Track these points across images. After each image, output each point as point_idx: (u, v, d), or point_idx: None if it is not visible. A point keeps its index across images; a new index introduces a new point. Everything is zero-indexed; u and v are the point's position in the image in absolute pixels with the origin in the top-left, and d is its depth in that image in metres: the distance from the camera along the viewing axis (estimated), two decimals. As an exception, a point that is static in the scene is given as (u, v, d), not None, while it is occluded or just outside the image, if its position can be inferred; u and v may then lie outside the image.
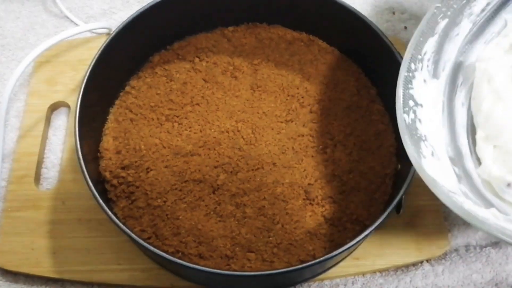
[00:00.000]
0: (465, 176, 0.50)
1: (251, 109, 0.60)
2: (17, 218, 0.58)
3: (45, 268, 0.56)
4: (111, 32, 0.58)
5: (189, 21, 0.63)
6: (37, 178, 0.61)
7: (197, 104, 0.60)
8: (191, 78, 0.62)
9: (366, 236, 0.48)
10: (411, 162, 0.46)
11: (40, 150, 0.62)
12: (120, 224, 0.48)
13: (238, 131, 0.58)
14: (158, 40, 0.63)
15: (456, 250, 0.58)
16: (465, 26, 0.54)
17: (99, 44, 0.56)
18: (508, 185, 0.46)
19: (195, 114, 0.59)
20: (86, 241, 0.57)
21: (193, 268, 0.47)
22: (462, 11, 0.53)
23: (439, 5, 0.51)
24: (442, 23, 0.52)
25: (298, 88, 0.61)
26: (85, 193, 0.57)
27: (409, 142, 0.46)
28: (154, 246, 0.52)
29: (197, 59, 0.63)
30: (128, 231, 0.47)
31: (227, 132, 0.58)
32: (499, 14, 0.54)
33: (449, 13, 0.52)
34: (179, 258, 0.52)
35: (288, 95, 0.61)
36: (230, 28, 0.65)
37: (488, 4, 0.54)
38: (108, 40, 0.57)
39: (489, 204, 0.47)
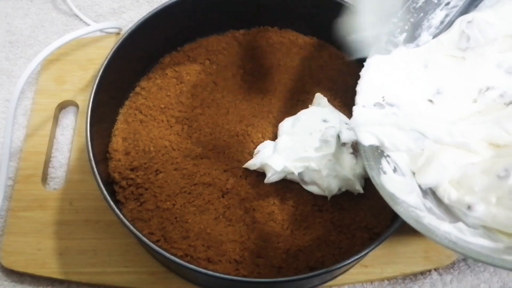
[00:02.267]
0: (431, 192, 0.47)
1: (261, 113, 0.60)
2: (24, 218, 0.58)
3: (51, 269, 0.55)
4: (124, 33, 0.57)
5: (201, 23, 0.63)
6: (44, 177, 0.61)
7: (207, 107, 0.60)
8: (201, 80, 0.61)
9: (378, 245, 0.48)
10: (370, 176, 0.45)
11: (47, 149, 0.62)
12: (131, 227, 0.47)
13: (248, 135, 0.58)
14: (169, 42, 0.63)
15: (464, 259, 0.58)
16: (425, 39, 0.53)
17: (108, 44, 0.56)
18: (469, 207, 0.42)
19: (205, 117, 0.59)
20: (93, 243, 0.56)
21: (202, 273, 0.47)
22: (421, 24, 0.52)
23: (395, 20, 0.51)
24: (401, 38, 0.51)
25: (308, 93, 0.61)
26: (93, 194, 0.57)
27: (369, 158, 0.46)
28: (163, 249, 0.52)
29: (207, 62, 0.63)
30: (139, 234, 0.47)
31: (237, 136, 0.58)
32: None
33: (406, 27, 0.51)
34: (188, 262, 0.51)
35: (298, 100, 0.61)
36: (241, 32, 0.65)
37: (447, 16, 0.52)
38: (120, 41, 0.57)
39: (456, 219, 0.45)
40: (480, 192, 0.41)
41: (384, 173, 0.45)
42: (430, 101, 0.48)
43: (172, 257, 0.47)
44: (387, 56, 0.50)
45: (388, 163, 0.46)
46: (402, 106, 0.47)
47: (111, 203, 0.48)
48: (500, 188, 0.40)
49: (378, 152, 0.46)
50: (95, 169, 0.50)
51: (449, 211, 0.45)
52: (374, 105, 0.47)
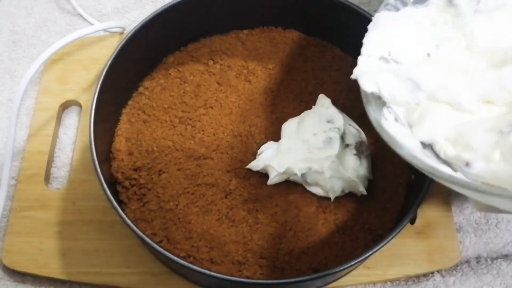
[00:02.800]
0: (429, 145, 0.47)
1: (264, 114, 0.59)
2: (26, 218, 0.57)
3: (53, 270, 0.55)
4: (127, 33, 0.57)
5: (204, 23, 0.63)
6: (47, 177, 0.61)
7: (211, 107, 0.60)
8: (205, 80, 0.61)
9: (382, 247, 0.48)
10: (370, 119, 0.45)
11: (50, 149, 0.62)
12: (134, 227, 0.47)
13: (252, 135, 0.58)
14: (173, 42, 0.63)
15: (467, 261, 0.58)
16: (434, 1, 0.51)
17: (112, 43, 0.56)
18: (467, 164, 0.41)
19: (209, 117, 0.59)
20: (95, 243, 0.56)
21: (205, 274, 0.46)
22: None
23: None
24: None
25: (311, 94, 0.61)
26: (96, 194, 0.57)
27: (371, 103, 0.46)
28: (166, 250, 0.52)
29: (211, 62, 0.63)
30: (142, 234, 0.47)
31: (240, 136, 0.58)
32: None
33: None
34: (191, 262, 0.51)
35: (302, 101, 0.61)
36: (245, 32, 0.65)
37: None
38: (124, 40, 0.56)
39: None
40: (479, 149, 0.41)
41: (386, 119, 0.45)
42: (428, 54, 0.48)
43: (175, 258, 0.47)
44: (395, 13, 0.50)
45: (390, 112, 0.46)
46: (405, 63, 0.47)
47: (114, 203, 0.48)
48: (503, 144, 0.40)
49: (380, 101, 0.46)
50: (98, 169, 0.50)
51: (449, 165, 0.45)
52: (380, 59, 0.47)
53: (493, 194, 0.36)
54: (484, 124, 0.43)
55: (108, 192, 0.49)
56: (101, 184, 0.49)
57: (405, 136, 0.44)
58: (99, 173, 0.49)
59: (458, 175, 0.41)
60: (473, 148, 0.41)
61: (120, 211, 0.48)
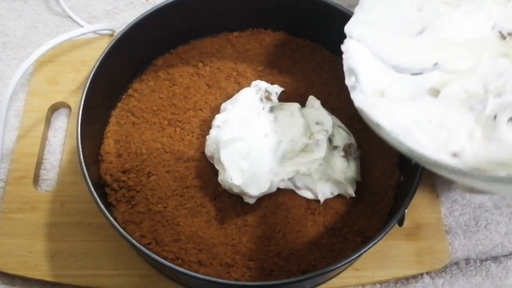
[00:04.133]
0: None
1: (254, 115, 0.59)
2: (15, 220, 0.57)
3: (42, 272, 0.55)
4: (116, 34, 0.57)
5: (194, 25, 0.63)
6: (36, 179, 0.61)
7: (200, 109, 0.59)
8: (194, 82, 0.61)
9: (369, 248, 0.48)
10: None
11: (39, 151, 0.62)
12: (121, 230, 0.47)
13: (241, 137, 0.58)
14: (162, 44, 0.63)
15: (456, 263, 0.58)
16: None
17: (102, 45, 0.56)
18: (455, 155, 0.40)
19: (198, 119, 0.59)
20: (84, 245, 0.56)
21: (193, 276, 0.46)
22: None
23: None
24: None
25: (302, 96, 0.61)
26: (85, 196, 0.56)
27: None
28: (154, 252, 0.51)
29: (200, 64, 0.63)
30: (129, 237, 0.47)
31: (230, 138, 0.58)
32: None
33: None
34: (179, 264, 0.51)
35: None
36: (235, 34, 0.65)
37: None
38: (112, 43, 0.56)
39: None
40: (461, 130, 0.41)
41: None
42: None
43: (162, 260, 0.47)
44: None
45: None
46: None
47: (101, 205, 0.48)
48: (480, 120, 0.41)
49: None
50: (85, 171, 0.49)
51: None
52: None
53: (479, 178, 0.37)
54: (454, 106, 0.43)
55: (95, 194, 0.49)
56: (88, 186, 0.49)
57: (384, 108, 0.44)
58: (86, 175, 0.49)
59: (444, 160, 0.41)
60: (454, 129, 0.41)
61: (107, 213, 0.48)
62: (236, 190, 0.52)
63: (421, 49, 0.48)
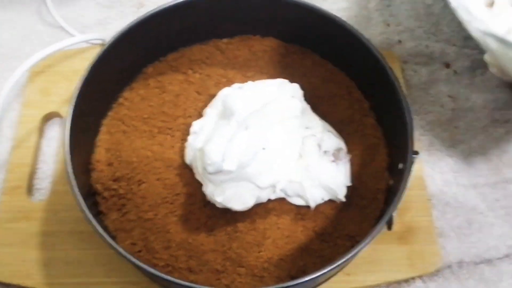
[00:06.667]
0: None
1: (243, 122, 0.60)
2: (9, 230, 0.58)
3: (35, 280, 0.55)
4: (105, 44, 0.57)
5: (183, 32, 0.63)
6: (30, 189, 0.61)
7: (190, 116, 0.60)
8: (184, 90, 0.62)
9: (357, 252, 0.48)
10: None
11: (33, 161, 0.62)
12: (107, 238, 0.47)
13: (231, 144, 0.58)
14: (152, 52, 0.63)
15: (449, 266, 0.58)
16: None
17: (94, 55, 0.56)
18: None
19: (188, 127, 0.59)
20: (77, 253, 0.56)
21: (180, 284, 0.47)
22: None
23: None
24: None
25: (292, 101, 0.61)
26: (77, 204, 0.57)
27: None
28: (145, 260, 0.52)
29: (190, 71, 0.63)
30: (115, 245, 0.47)
31: (220, 145, 0.58)
32: None
33: None
34: (169, 272, 0.52)
35: (282, 108, 0.61)
36: (224, 40, 0.65)
37: None
38: (101, 51, 0.57)
39: None
40: None
41: None
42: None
43: (150, 269, 0.46)
44: None
45: None
46: None
47: (89, 214, 0.48)
48: None
49: None
50: (72, 180, 0.49)
51: None
52: None
53: None
54: None
55: (82, 203, 0.49)
56: (75, 195, 0.49)
57: None
58: (73, 184, 0.49)
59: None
60: None
61: (93, 221, 0.48)
62: (218, 205, 0.52)
63: None
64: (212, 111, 0.58)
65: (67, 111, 0.53)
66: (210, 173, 0.52)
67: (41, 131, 0.64)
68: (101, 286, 0.55)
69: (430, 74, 0.70)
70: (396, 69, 0.68)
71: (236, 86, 0.59)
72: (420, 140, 0.65)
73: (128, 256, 0.47)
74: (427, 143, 0.65)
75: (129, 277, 0.56)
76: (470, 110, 0.67)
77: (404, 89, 0.67)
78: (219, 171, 0.51)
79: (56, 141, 0.64)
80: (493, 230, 0.60)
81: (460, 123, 0.67)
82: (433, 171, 0.63)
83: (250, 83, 0.59)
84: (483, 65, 0.69)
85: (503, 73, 0.59)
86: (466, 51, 0.72)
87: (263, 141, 0.53)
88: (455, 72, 0.70)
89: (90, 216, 0.48)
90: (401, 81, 0.68)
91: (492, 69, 0.59)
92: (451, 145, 0.65)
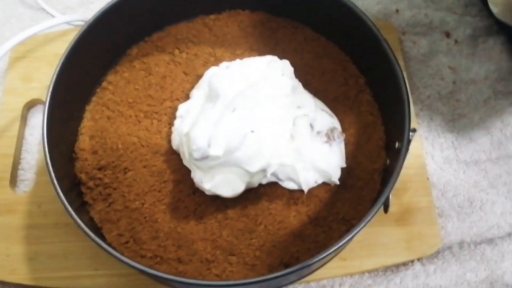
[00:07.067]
0: None
1: (233, 103, 0.57)
2: (-8, 224, 0.56)
3: (21, 275, 0.54)
4: (83, 25, 0.55)
5: (169, 10, 0.60)
6: (13, 180, 0.59)
7: (177, 99, 0.57)
8: (170, 71, 0.59)
9: (353, 237, 0.46)
10: None
11: (16, 151, 0.60)
12: (88, 232, 0.46)
13: (220, 127, 0.56)
14: (136, 32, 0.60)
15: (449, 247, 0.56)
16: None
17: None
18: None
19: (175, 110, 0.56)
20: (63, 246, 0.55)
21: (167, 279, 0.45)
22: None
23: None
24: None
25: (283, 79, 0.58)
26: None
27: None
28: (132, 251, 0.50)
29: (177, 51, 0.60)
30: (97, 239, 0.45)
31: (209, 128, 0.56)
32: None
33: None
34: (158, 263, 0.50)
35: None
36: (212, 17, 0.62)
37: None
38: (81, 32, 0.54)
39: None
40: None
41: None
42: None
43: (128, 261, 0.45)
44: None
45: None
46: None
47: (68, 206, 0.47)
48: None
49: None
50: (52, 174, 0.48)
51: None
52: None
53: None
54: None
55: (62, 196, 0.47)
56: (54, 187, 0.47)
57: None
58: (52, 174, 0.48)
59: None
60: None
61: (74, 214, 0.46)
62: (207, 193, 0.50)
63: None
64: (198, 92, 0.55)
65: (45, 99, 0.50)
66: (196, 159, 0.49)
67: (24, 120, 0.62)
68: (88, 279, 0.54)
69: (430, 45, 0.67)
70: (394, 40, 0.65)
71: (223, 65, 0.56)
72: (419, 115, 0.63)
73: (110, 250, 0.45)
74: (427, 118, 0.63)
75: (117, 269, 0.54)
76: (471, 82, 0.64)
77: (402, 61, 0.64)
78: (205, 157, 0.49)
79: (39, 130, 0.62)
80: (495, 208, 0.58)
81: (461, 96, 0.64)
82: (432, 148, 0.61)
83: (237, 61, 0.56)
84: (485, 33, 0.66)
85: (506, 14, 0.54)
86: (467, 18, 0.68)
87: (252, 123, 0.50)
88: (455, 41, 0.67)
89: (69, 208, 0.46)
90: (399, 53, 0.65)
91: (494, 9, 0.54)
92: (451, 120, 0.62)
